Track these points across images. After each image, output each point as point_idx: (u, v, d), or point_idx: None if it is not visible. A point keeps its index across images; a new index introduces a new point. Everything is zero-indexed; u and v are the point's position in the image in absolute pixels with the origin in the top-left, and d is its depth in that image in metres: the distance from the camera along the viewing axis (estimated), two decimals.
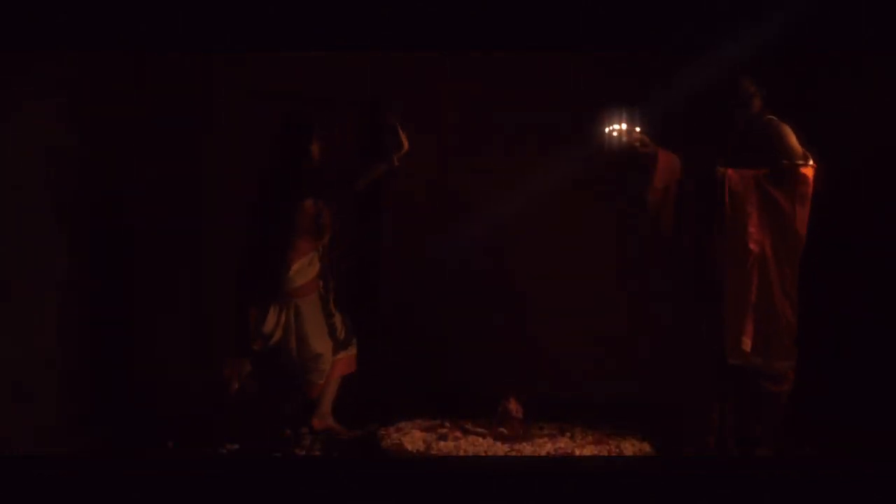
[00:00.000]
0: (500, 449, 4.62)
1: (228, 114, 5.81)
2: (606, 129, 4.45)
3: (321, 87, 5.82)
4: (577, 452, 4.56)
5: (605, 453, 4.54)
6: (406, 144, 4.76)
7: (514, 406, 4.93)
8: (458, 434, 4.81)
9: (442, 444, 4.68)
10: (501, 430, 4.86)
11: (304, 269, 4.77)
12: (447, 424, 4.97)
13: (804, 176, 4.28)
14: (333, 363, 4.88)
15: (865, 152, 5.04)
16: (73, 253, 4.87)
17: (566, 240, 5.88)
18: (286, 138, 4.79)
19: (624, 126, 4.42)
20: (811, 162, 4.30)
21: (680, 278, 4.61)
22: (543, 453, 4.56)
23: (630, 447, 4.63)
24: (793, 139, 4.29)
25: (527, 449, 4.60)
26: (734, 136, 4.45)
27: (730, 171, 4.31)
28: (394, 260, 5.91)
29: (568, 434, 4.85)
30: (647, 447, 4.65)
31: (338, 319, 4.95)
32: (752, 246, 4.27)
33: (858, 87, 5.10)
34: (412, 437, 4.74)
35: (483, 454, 4.59)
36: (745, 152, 4.37)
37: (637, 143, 4.43)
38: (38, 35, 4.34)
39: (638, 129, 4.44)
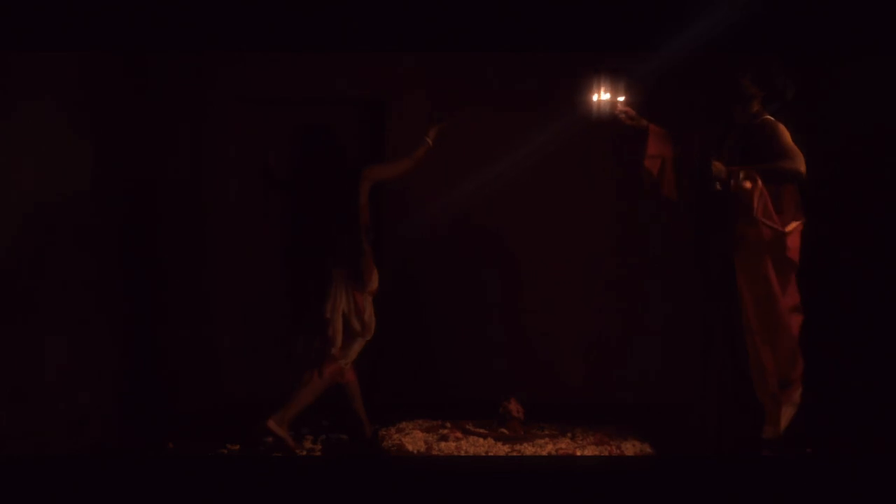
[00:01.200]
0: (502, 450, 4.61)
1: (229, 115, 5.83)
2: (593, 97, 4.39)
3: (322, 88, 5.85)
4: (578, 453, 4.55)
5: (606, 454, 4.53)
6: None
7: (515, 407, 4.92)
8: (458, 435, 4.80)
9: (443, 444, 4.67)
10: (503, 430, 4.85)
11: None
12: (448, 425, 4.96)
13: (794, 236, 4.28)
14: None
15: (863, 152, 5.05)
16: (74, 254, 4.88)
17: (566, 241, 5.89)
18: (312, 143, 4.82)
19: (608, 95, 4.37)
20: (800, 220, 4.27)
21: (685, 279, 4.60)
22: (544, 454, 4.55)
23: (631, 448, 4.62)
24: (788, 140, 4.24)
25: (528, 450, 4.58)
26: (731, 135, 4.42)
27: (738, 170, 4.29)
28: (393, 262, 5.91)
29: (569, 435, 4.83)
30: (647, 448, 4.64)
31: None
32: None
33: (856, 88, 5.12)
34: (413, 438, 4.73)
35: (484, 455, 4.58)
36: (740, 152, 4.35)
37: (622, 116, 4.39)
38: (38, 35, 4.35)
39: (621, 99, 4.38)
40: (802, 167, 4.20)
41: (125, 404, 5.13)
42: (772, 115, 4.35)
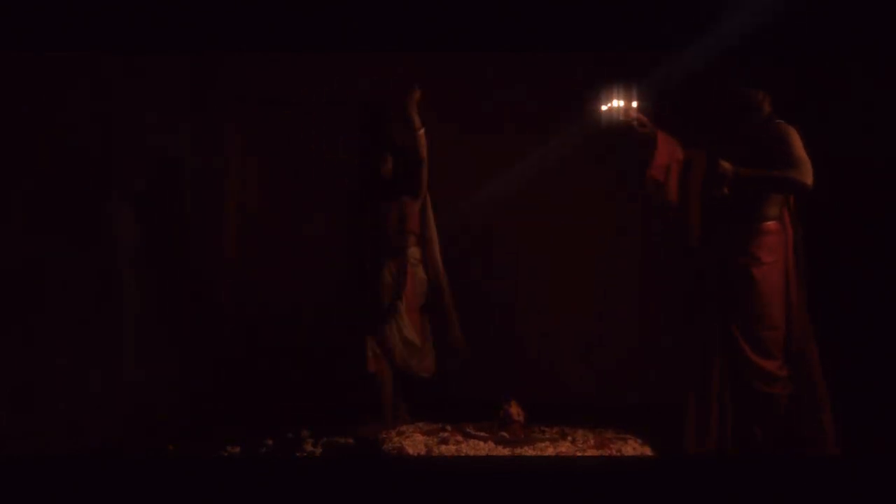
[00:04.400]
0: (502, 453, 4.60)
1: (229, 115, 5.83)
2: (604, 107, 4.37)
3: (322, 89, 5.86)
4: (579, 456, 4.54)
5: (607, 455, 4.53)
6: None
7: (515, 410, 4.91)
8: (459, 438, 4.79)
9: (443, 447, 4.66)
10: (503, 434, 4.83)
11: None
12: (448, 428, 4.95)
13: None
14: None
15: (863, 153, 5.05)
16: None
17: (566, 242, 5.89)
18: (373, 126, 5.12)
19: (621, 103, 4.34)
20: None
21: (686, 282, 4.61)
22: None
23: (631, 450, 4.61)
24: (799, 147, 4.15)
25: (528, 453, 4.57)
26: (739, 141, 4.36)
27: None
28: None
29: (569, 438, 4.82)
30: (647, 450, 4.63)
31: None
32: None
33: (856, 88, 5.12)
34: (413, 441, 4.72)
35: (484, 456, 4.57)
36: (753, 156, 4.28)
37: (635, 123, 4.36)
38: (38, 35, 4.36)
39: (635, 105, 4.35)
40: (810, 179, 4.10)
41: (127, 405, 5.12)
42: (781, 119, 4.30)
